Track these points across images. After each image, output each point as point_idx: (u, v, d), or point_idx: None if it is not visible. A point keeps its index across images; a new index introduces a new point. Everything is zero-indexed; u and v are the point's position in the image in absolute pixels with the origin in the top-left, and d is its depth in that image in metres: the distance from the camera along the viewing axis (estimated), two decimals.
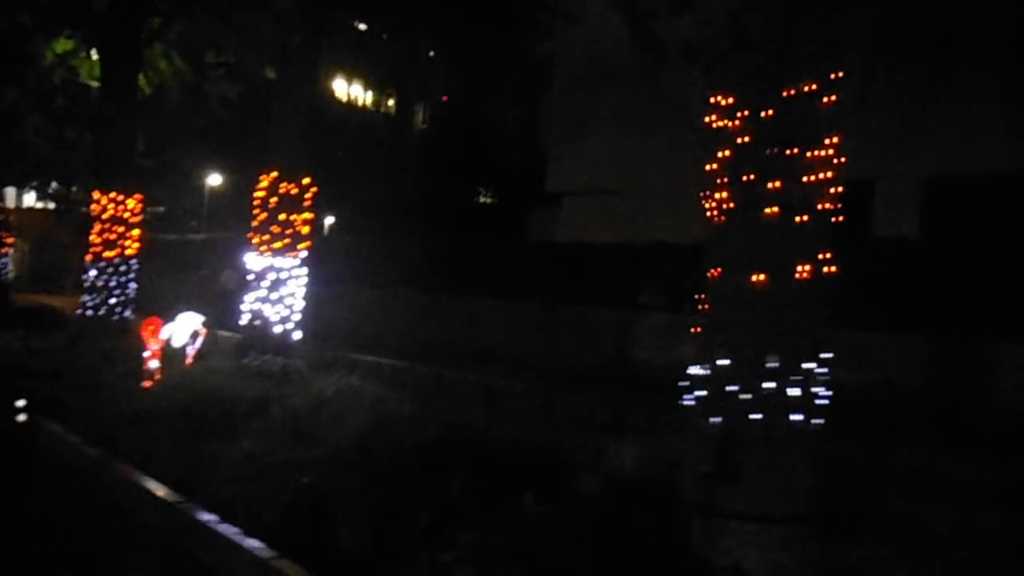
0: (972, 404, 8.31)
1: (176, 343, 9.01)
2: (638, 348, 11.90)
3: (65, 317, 14.76)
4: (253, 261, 9.84)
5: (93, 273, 12.73)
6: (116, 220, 12.70)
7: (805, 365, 4.02)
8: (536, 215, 20.11)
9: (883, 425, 6.99)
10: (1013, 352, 8.13)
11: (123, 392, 8.23)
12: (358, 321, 15.77)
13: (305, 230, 9.89)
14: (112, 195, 12.66)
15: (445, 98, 25.80)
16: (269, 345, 9.47)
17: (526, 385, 9.51)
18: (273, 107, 10.39)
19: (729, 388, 4.10)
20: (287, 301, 9.77)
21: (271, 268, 9.73)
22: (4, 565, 4.87)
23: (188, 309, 9.38)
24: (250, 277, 9.87)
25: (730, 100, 4.33)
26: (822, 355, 4.08)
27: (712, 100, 4.42)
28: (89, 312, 12.70)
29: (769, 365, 4.02)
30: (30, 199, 30.29)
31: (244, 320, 9.87)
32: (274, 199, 9.76)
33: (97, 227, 12.76)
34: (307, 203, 9.91)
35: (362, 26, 14.16)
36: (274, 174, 9.79)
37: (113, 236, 12.70)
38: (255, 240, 9.85)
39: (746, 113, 4.26)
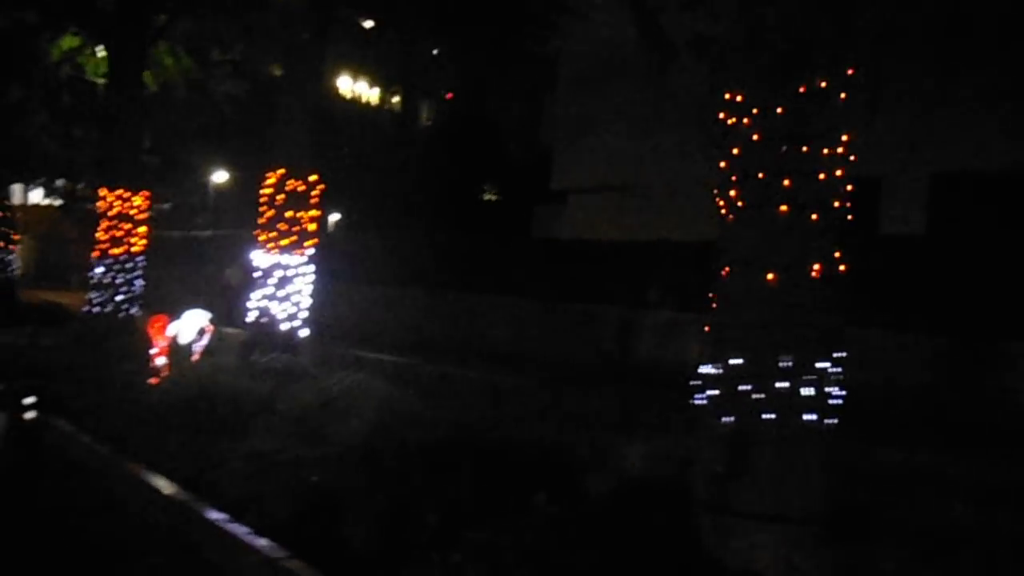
0: (982, 403, 8.27)
1: (183, 340, 9.01)
2: (643, 346, 11.89)
3: (71, 314, 14.79)
4: (260, 258, 9.84)
5: (99, 270, 12.75)
6: (122, 217, 12.70)
7: (818, 364, 3.99)
8: (541, 212, 20.09)
9: (891, 424, 6.96)
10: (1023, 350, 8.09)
11: (130, 389, 8.25)
12: (363, 318, 15.79)
13: (312, 227, 9.89)
14: (118, 192, 12.68)
15: (450, 95, 25.75)
16: (276, 342, 9.48)
17: (532, 383, 9.51)
18: (279, 104, 10.38)
19: (741, 387, 4.07)
20: (294, 299, 9.77)
21: (278, 265, 9.73)
22: (14, 562, 4.87)
23: (194, 306, 9.38)
24: (256, 274, 9.87)
25: (741, 97, 4.30)
26: (835, 354, 4.05)
27: (723, 97, 4.39)
28: (95, 309, 12.71)
29: (782, 364, 4.00)
30: (36, 196, 30.36)
31: (250, 317, 9.87)
32: (281, 196, 9.75)
33: (103, 224, 12.77)
34: (314, 200, 9.90)
35: (368, 24, 14.14)
36: (281, 171, 9.78)
37: (119, 233, 12.70)
38: (262, 237, 9.85)
39: (757, 110, 4.22)
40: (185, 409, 7.09)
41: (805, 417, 3.98)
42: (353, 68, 25.27)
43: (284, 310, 9.71)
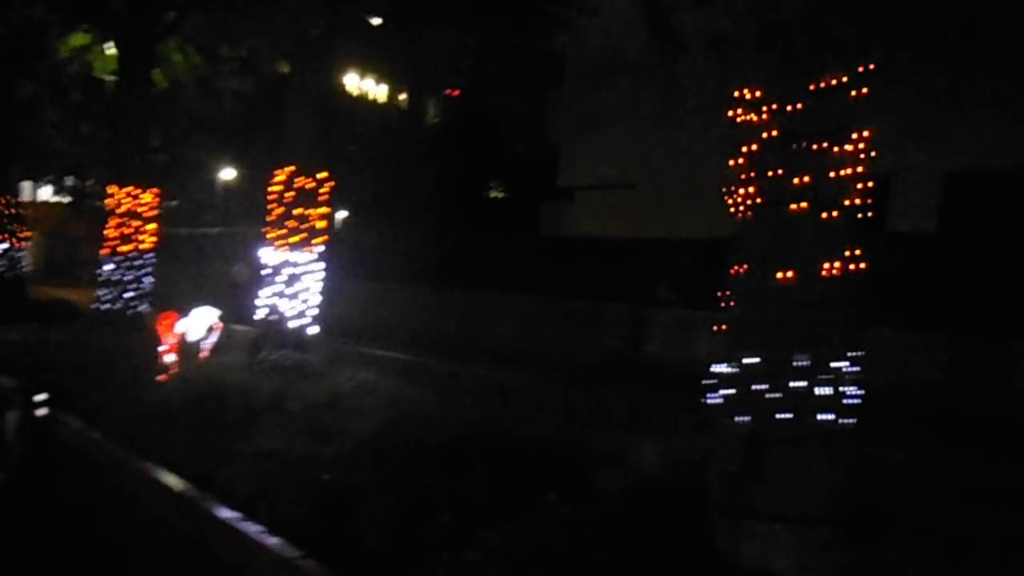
0: (994, 401, 8.22)
1: (191, 337, 9.01)
2: (653, 343, 11.86)
3: (81, 311, 14.82)
4: (269, 256, 9.83)
5: (109, 267, 12.78)
6: (131, 214, 12.74)
7: (835, 363, 3.96)
8: (548, 209, 20.05)
9: (903, 423, 6.91)
10: None
11: (139, 386, 8.26)
12: (371, 315, 15.79)
13: (321, 225, 9.87)
14: (128, 189, 12.70)
15: (457, 92, 25.71)
16: (285, 340, 9.47)
17: (541, 381, 9.47)
18: (288, 101, 10.36)
19: (756, 387, 4.04)
20: (303, 296, 9.76)
21: (287, 263, 9.72)
22: (29, 555, 4.88)
23: (203, 303, 9.39)
24: (265, 272, 9.86)
25: (757, 93, 4.26)
26: (852, 353, 4.01)
27: (737, 93, 4.35)
28: (105, 306, 12.75)
29: (797, 363, 3.96)
30: (46, 193, 30.45)
31: (259, 315, 9.86)
32: (290, 194, 9.73)
33: (113, 221, 12.80)
34: (323, 198, 9.88)
35: (376, 20, 14.11)
36: (290, 168, 9.76)
37: (129, 230, 12.74)
38: (271, 235, 9.84)
39: (773, 107, 4.18)
40: (194, 406, 7.09)
41: (821, 417, 3.95)
42: (360, 65, 25.23)
43: (293, 307, 9.70)
